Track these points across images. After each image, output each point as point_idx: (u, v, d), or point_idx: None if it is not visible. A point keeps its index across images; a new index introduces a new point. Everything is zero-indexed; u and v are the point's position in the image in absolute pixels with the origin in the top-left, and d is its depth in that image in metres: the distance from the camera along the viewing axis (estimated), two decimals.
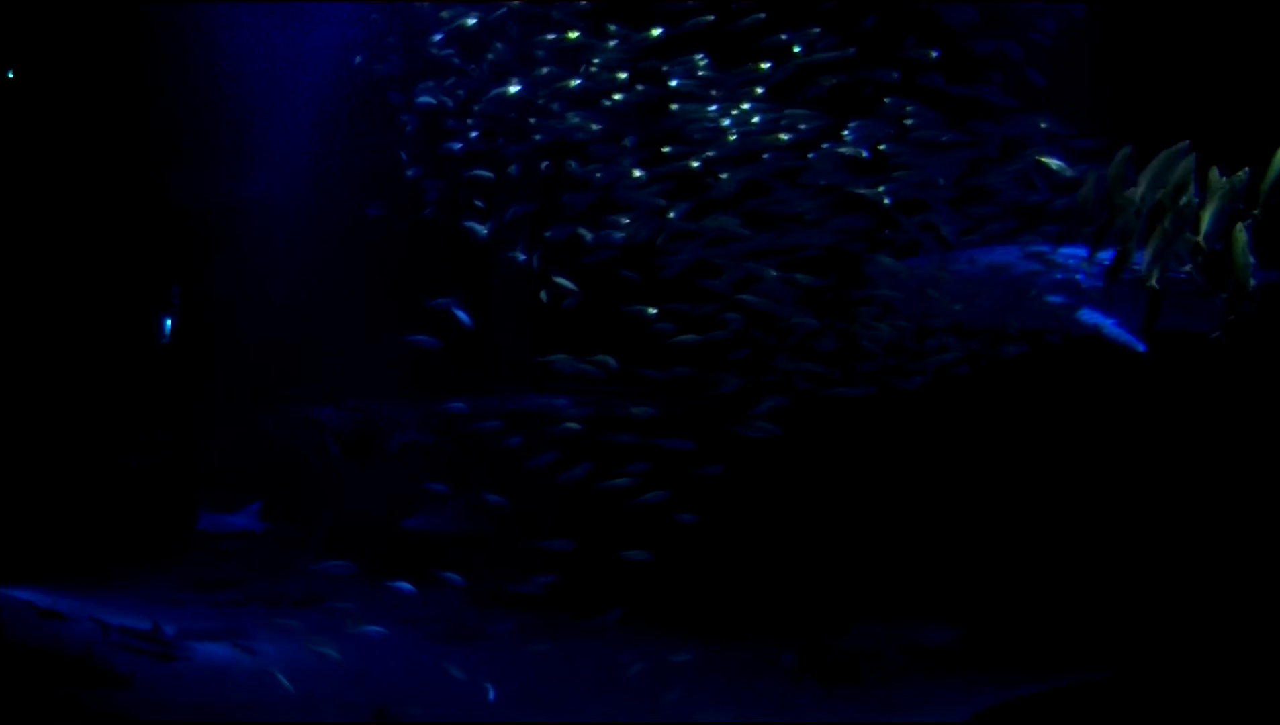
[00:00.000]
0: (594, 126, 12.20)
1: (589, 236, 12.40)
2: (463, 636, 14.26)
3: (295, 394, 16.89)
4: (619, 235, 12.26)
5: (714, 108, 12.16)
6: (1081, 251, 12.24)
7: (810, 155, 12.20)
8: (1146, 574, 13.86)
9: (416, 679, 12.89)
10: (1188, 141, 8.01)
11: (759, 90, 11.88)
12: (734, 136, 11.89)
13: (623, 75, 11.96)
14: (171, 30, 15.67)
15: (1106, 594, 13.87)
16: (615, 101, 12.19)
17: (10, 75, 16.35)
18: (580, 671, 13.40)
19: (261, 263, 16.42)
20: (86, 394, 16.85)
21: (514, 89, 12.40)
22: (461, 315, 12.60)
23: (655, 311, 12.22)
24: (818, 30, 11.75)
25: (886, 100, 11.94)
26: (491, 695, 12.00)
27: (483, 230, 12.59)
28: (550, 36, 12.04)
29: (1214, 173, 7.91)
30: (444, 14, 13.34)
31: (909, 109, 11.94)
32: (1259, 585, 13.00)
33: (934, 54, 11.92)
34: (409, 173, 15.08)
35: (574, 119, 12.43)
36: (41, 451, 16.39)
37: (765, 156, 12.23)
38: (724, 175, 12.23)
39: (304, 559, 15.73)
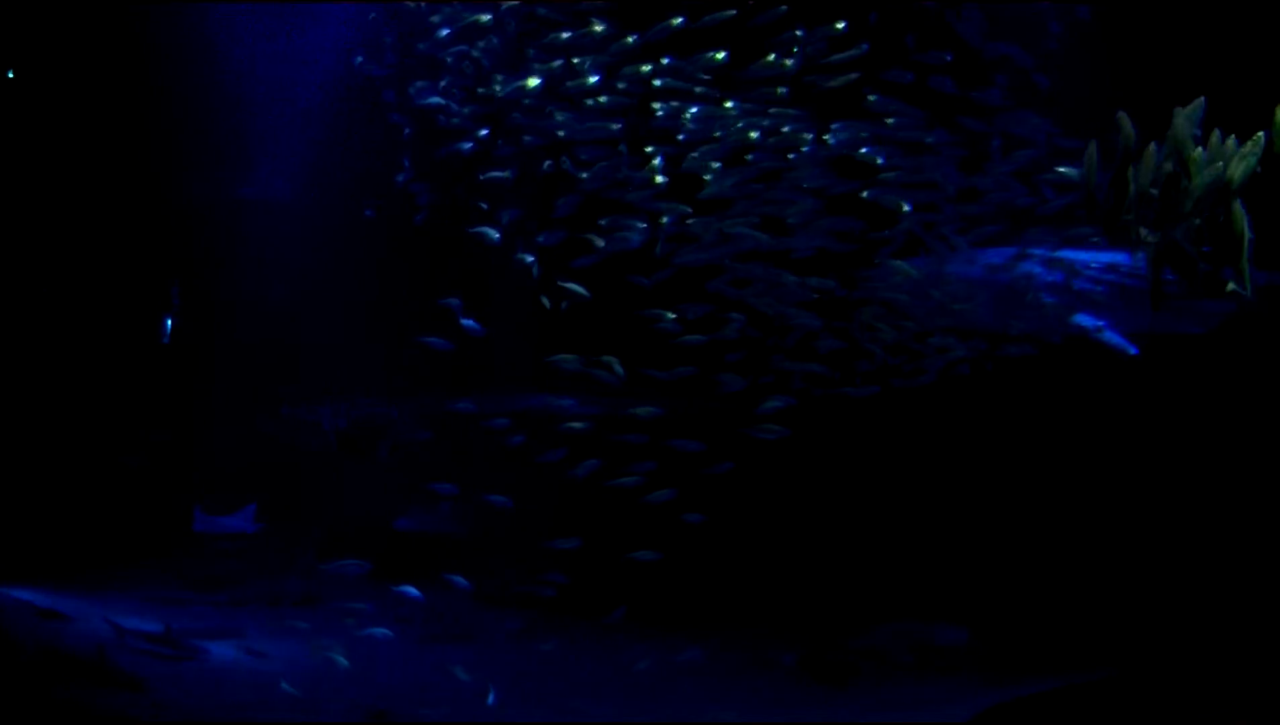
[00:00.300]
0: (613, 126, 12.14)
1: (601, 242, 12.34)
2: (460, 636, 14.27)
3: (294, 394, 16.89)
4: (636, 237, 12.20)
5: (695, 109, 12.15)
6: (1077, 254, 12.32)
7: (790, 156, 12.21)
8: (1148, 574, 13.87)
9: (417, 679, 12.89)
10: (1203, 99, 7.88)
11: (781, 90, 11.82)
12: (754, 134, 11.82)
13: (646, 67, 11.86)
14: (172, 29, 15.64)
15: (1109, 594, 13.88)
16: (629, 101, 12.14)
17: (10, 75, 16.33)
18: (584, 671, 13.42)
19: (261, 263, 16.42)
20: (86, 394, 16.82)
21: (534, 82, 12.31)
22: (470, 323, 12.56)
23: (673, 315, 12.18)
24: (842, 25, 11.68)
25: (872, 97, 11.92)
26: (491, 699, 11.97)
27: (495, 234, 12.55)
28: (565, 35, 11.96)
29: (1215, 137, 7.81)
30: (435, 18, 13.33)
31: (892, 108, 11.93)
32: (1260, 586, 13.01)
33: (947, 57, 11.90)
34: (400, 177, 15.10)
35: (573, 119, 12.38)
36: (41, 452, 16.37)
37: (749, 157, 12.21)
38: (711, 177, 12.20)
39: (304, 559, 15.75)
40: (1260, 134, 7.44)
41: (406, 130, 15.20)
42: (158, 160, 16.81)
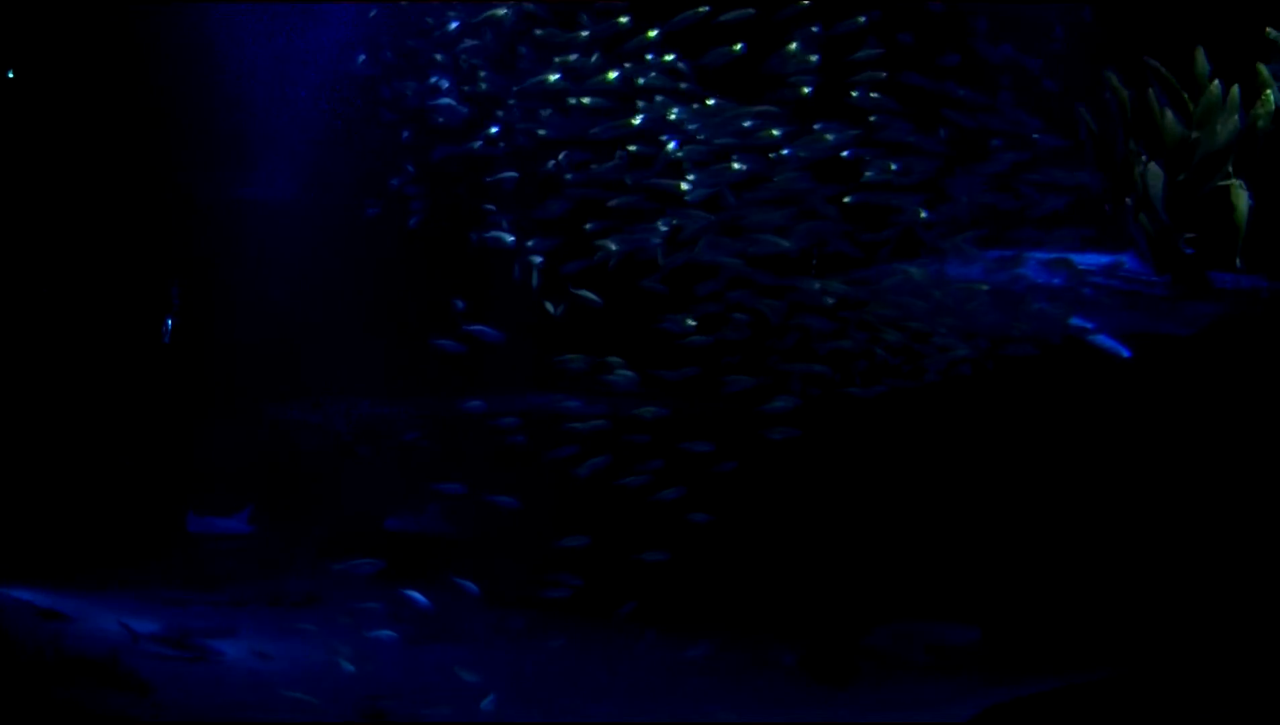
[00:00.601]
0: (634, 122, 12.08)
1: (614, 246, 12.32)
2: (459, 636, 14.27)
3: (293, 394, 16.90)
4: (655, 240, 12.19)
5: (677, 112, 12.11)
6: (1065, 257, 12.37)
7: (771, 155, 12.18)
8: (1149, 574, 13.88)
9: (417, 679, 12.88)
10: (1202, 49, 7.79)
11: (806, 90, 11.79)
12: (776, 133, 11.79)
13: (669, 57, 11.78)
14: (172, 29, 15.65)
15: (1109, 594, 13.89)
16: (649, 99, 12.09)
17: (10, 75, 16.33)
18: (583, 671, 13.44)
19: (261, 263, 16.42)
20: (86, 393, 16.81)
21: (553, 77, 12.26)
22: (486, 330, 12.53)
23: (693, 322, 12.17)
24: (864, 19, 11.65)
25: (854, 93, 11.92)
26: (486, 703, 11.96)
27: (509, 238, 12.53)
28: (584, 34, 11.91)
29: (1215, 87, 7.71)
30: (429, 19, 13.31)
31: (875, 100, 11.91)
32: (1260, 586, 13.02)
33: (954, 59, 11.90)
34: (398, 180, 15.10)
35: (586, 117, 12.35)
36: (40, 452, 16.35)
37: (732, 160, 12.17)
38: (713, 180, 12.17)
39: (305, 558, 15.77)
40: (1269, 92, 7.34)
41: (405, 133, 15.21)
42: (154, 160, 16.81)
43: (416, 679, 12.89)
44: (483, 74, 13.55)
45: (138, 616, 13.57)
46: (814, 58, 11.58)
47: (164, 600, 14.82)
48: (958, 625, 13.97)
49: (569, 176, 12.85)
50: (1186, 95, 8.82)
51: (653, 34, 11.59)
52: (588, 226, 12.50)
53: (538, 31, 12.59)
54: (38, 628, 12.58)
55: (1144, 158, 8.54)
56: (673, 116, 12.10)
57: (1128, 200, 9.85)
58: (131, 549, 16.00)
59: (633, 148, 12.52)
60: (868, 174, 12.13)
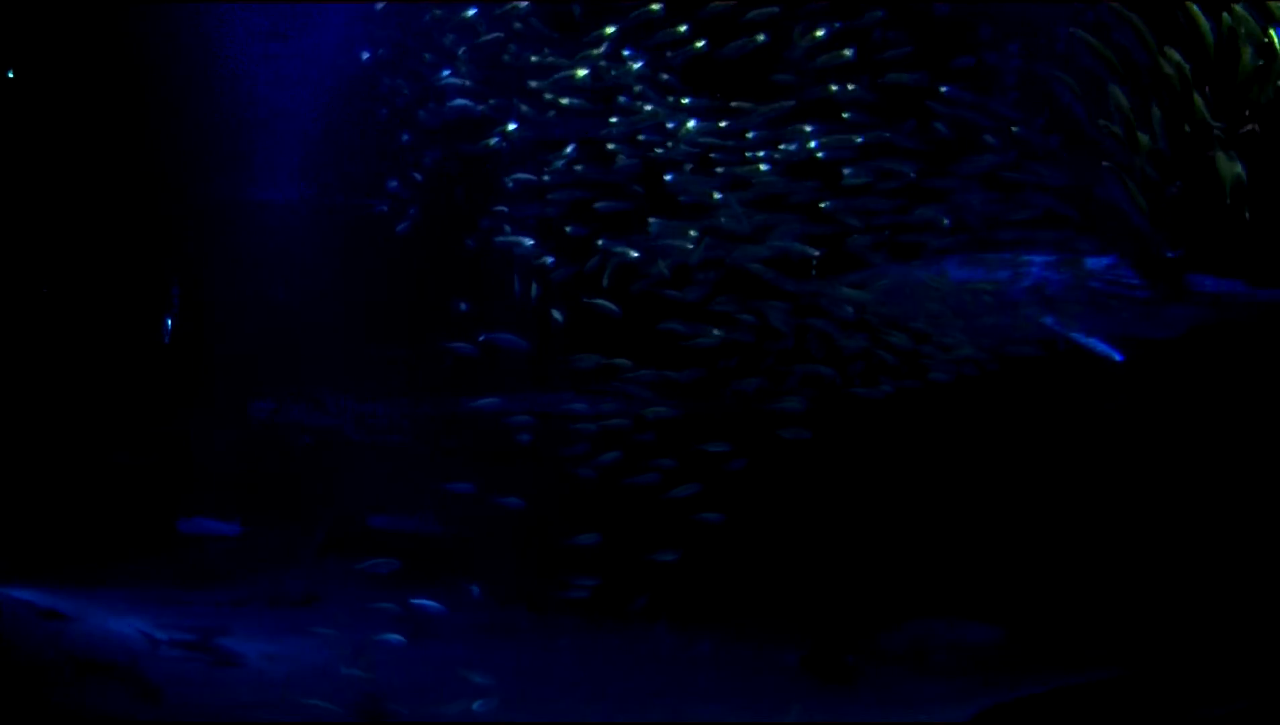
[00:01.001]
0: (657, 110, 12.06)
1: (635, 253, 12.32)
2: (456, 635, 14.27)
3: (295, 393, 16.89)
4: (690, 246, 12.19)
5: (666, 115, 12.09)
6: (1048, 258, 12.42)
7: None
8: (1149, 574, 13.94)
9: (418, 678, 12.88)
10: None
11: (835, 88, 11.81)
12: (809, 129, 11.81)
13: (700, 43, 11.71)
14: (173, 28, 15.62)
15: (1109, 594, 13.95)
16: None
17: (10, 75, 16.30)
18: (582, 671, 13.44)
19: (261, 262, 16.40)
20: (83, 392, 16.77)
21: (581, 73, 12.24)
22: (509, 337, 12.51)
23: (718, 331, 12.18)
24: (881, 13, 11.67)
25: (833, 87, 11.95)
26: (479, 705, 11.96)
27: (528, 242, 12.53)
28: (609, 30, 11.90)
29: (1206, 26, 7.58)
30: (425, 17, 13.31)
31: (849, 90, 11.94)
32: (1260, 586, 13.09)
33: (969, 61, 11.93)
34: (392, 183, 15.10)
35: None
36: (38, 450, 16.31)
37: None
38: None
39: (305, 558, 15.75)
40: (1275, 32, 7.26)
41: (405, 135, 15.22)
42: (153, 160, 16.78)
43: (419, 678, 12.87)
44: (467, 70, 13.54)
45: (138, 616, 13.55)
46: (848, 51, 11.56)
47: (164, 600, 14.79)
48: (966, 624, 14.01)
49: (575, 178, 12.88)
50: (1175, 51, 8.65)
51: (682, 28, 11.60)
52: (583, 231, 12.52)
53: (516, 25, 12.58)
54: (38, 628, 12.55)
55: (1134, 119, 8.47)
56: (680, 121, 12.14)
57: (1113, 167, 9.80)
58: (132, 548, 15.96)
59: (610, 147, 12.57)
60: (845, 171, 12.15)
